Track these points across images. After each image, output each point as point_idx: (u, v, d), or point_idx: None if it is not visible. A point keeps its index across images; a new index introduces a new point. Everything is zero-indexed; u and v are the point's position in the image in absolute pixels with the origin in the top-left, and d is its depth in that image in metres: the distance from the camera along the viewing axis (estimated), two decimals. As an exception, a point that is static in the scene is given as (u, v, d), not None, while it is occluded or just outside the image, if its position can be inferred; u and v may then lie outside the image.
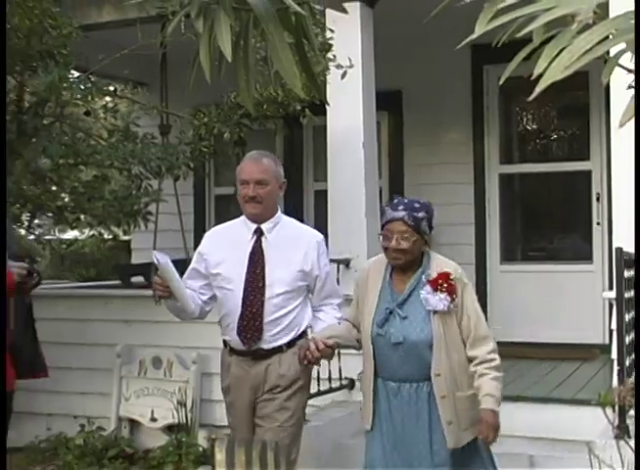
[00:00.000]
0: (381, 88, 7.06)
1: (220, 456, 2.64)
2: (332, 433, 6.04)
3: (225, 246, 4.82)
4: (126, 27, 6.76)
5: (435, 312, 4.19)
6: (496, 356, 4.26)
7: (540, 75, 1.60)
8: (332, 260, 6.49)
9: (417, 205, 4.29)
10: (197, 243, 9.32)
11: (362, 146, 6.72)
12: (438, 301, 4.14)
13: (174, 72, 7.74)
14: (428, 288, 4.19)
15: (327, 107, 6.32)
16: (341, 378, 6.53)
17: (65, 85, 5.83)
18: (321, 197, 8.38)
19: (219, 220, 9.51)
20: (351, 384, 6.54)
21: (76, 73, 6.34)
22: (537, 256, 9.12)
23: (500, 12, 1.81)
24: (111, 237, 9.19)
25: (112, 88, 7.05)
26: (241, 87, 2.44)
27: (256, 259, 4.68)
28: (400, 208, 4.24)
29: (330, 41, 5.53)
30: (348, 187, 6.69)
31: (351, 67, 5.94)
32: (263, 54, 2.81)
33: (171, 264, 4.47)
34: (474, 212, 8.78)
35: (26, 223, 6.71)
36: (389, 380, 4.31)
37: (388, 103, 8.24)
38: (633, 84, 1.69)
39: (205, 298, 4.83)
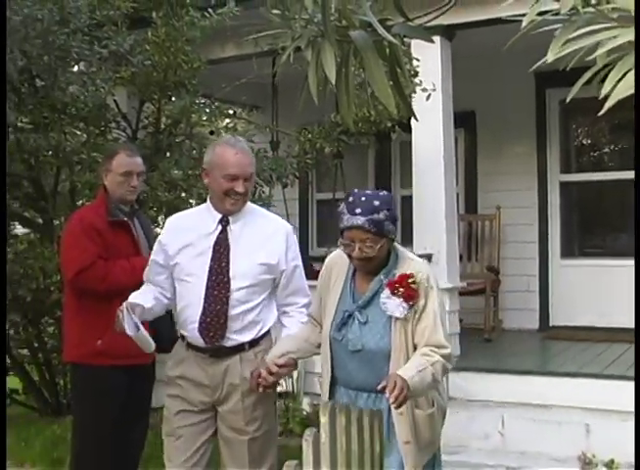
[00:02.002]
0: (457, 109, 6.99)
1: (324, 420, 2.62)
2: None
3: (186, 234, 3.85)
4: (243, 61, 6.84)
5: (397, 318, 3.26)
6: (444, 354, 3.22)
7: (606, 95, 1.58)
8: (417, 255, 6.51)
9: (376, 202, 3.27)
10: (301, 241, 9.45)
11: (442, 158, 6.68)
12: (395, 306, 3.23)
13: (283, 97, 7.83)
14: (387, 291, 3.27)
15: (412, 124, 6.29)
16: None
17: (194, 109, 5.94)
18: (407, 201, 8.36)
19: (320, 221, 9.69)
20: (441, 379, 6.49)
21: (203, 100, 6.40)
22: (592, 252, 8.91)
23: (568, 40, 1.78)
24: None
25: (231, 111, 7.16)
26: (342, 107, 2.43)
27: (221, 251, 3.76)
28: (358, 211, 3.24)
29: (416, 68, 5.49)
30: (430, 193, 6.65)
31: (434, 90, 5.93)
32: (359, 80, 2.80)
33: (142, 330, 3.69)
34: (537, 215, 8.63)
35: (162, 224, 6.86)
36: (346, 388, 3.43)
37: (463, 121, 8.16)
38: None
39: (169, 294, 3.92)
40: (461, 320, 6.98)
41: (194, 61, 5.79)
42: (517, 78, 8.11)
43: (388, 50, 2.38)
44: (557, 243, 8.68)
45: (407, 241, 7.76)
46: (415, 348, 3.24)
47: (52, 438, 6.53)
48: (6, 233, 3.77)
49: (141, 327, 3.67)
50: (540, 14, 1.86)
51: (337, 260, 3.55)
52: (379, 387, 2.99)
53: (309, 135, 6.27)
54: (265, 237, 3.81)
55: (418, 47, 5.00)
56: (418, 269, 3.32)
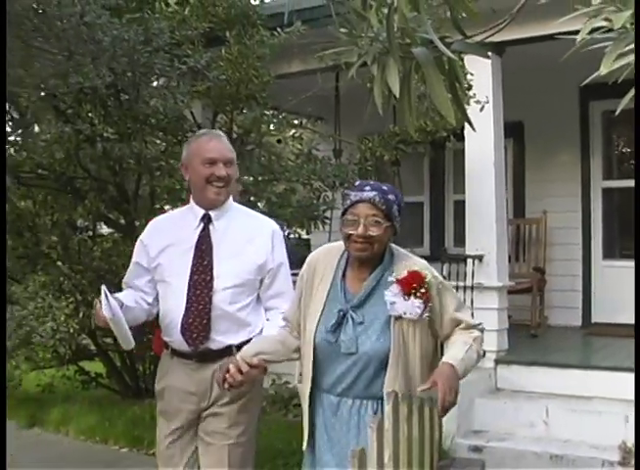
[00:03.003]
0: (507, 119, 6.93)
1: (388, 408, 2.62)
2: (465, 391, 5.95)
3: (168, 234, 3.48)
4: (308, 75, 6.87)
5: (397, 319, 2.77)
6: (479, 332, 2.89)
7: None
8: (468, 256, 6.49)
9: (385, 187, 2.86)
10: (360, 241, 9.51)
11: (493, 165, 6.62)
12: (410, 306, 2.74)
13: (344, 109, 7.83)
14: (395, 289, 2.77)
15: (465, 134, 6.27)
16: (474, 348, 6.41)
17: (263, 120, 5.98)
18: (459, 206, 8.36)
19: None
20: (483, 354, 6.46)
21: (272, 111, 6.45)
22: (632, 254, 8.78)
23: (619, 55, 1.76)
24: (296, 236, 9.31)
25: (297, 122, 7.18)
26: (406, 118, 2.42)
27: (203, 249, 3.36)
28: (367, 188, 2.81)
29: (470, 82, 5.47)
30: (482, 198, 6.60)
31: (487, 102, 5.89)
32: (418, 93, 2.79)
33: (121, 316, 3.21)
34: (581, 219, 8.51)
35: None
36: (329, 393, 2.88)
37: (512, 131, 8.08)
38: None
39: (150, 298, 3.50)
40: (509, 317, 6.93)
41: (264, 76, 5.83)
42: (562, 91, 8.04)
43: (447, 65, 2.38)
44: (599, 245, 8.55)
45: (460, 243, 7.76)
46: (416, 354, 2.80)
47: (133, 418, 6.64)
48: (5, 232, 3.59)
49: (120, 314, 3.17)
50: (590, 31, 1.84)
51: (321, 257, 3.01)
52: (425, 386, 2.64)
53: (370, 144, 6.28)
54: (250, 235, 3.41)
55: (471, 62, 4.96)
56: (422, 267, 2.85)
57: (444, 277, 6.06)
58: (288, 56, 6.68)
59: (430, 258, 8.61)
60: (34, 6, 3.87)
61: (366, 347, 2.80)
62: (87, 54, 4.32)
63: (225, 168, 3.32)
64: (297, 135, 6.48)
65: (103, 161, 6.06)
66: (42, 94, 5.58)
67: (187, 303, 3.33)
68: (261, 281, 3.41)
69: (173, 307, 3.38)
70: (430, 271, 2.85)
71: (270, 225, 3.50)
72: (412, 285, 2.77)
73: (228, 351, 3.32)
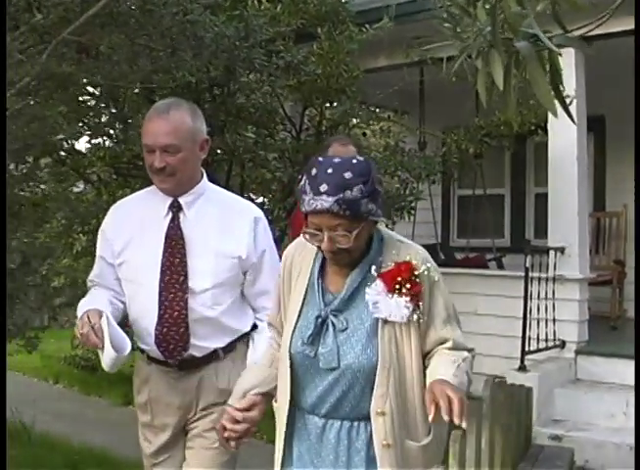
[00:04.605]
0: (588, 113, 6.80)
1: (486, 393, 2.61)
2: (546, 382, 5.91)
3: (132, 223, 2.84)
4: (393, 70, 6.87)
5: (386, 322, 2.20)
6: (471, 355, 2.29)
7: None
8: (550, 248, 6.40)
9: (347, 175, 2.10)
10: (444, 232, 9.49)
11: (576, 159, 6.49)
12: (395, 307, 2.16)
13: (428, 102, 7.79)
14: (378, 286, 2.19)
15: (549, 127, 6.20)
16: (554, 339, 6.35)
17: (353, 113, 6.00)
18: (540, 198, 8.26)
19: (461, 215, 9.63)
20: (562, 344, 6.39)
21: (360, 105, 6.46)
22: None
23: None
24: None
25: (385, 115, 7.19)
26: (509, 110, 2.41)
27: (174, 244, 2.75)
28: (323, 189, 2.09)
29: (559, 76, 5.39)
30: (564, 191, 6.49)
31: (575, 97, 5.81)
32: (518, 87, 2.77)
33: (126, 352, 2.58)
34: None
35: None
36: (313, 415, 2.31)
37: (594, 125, 7.92)
38: None
39: (123, 298, 2.89)
40: (589, 308, 6.82)
41: (353, 70, 5.86)
42: (641, 86, 7.83)
43: (548, 59, 2.35)
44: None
45: (540, 235, 7.65)
46: (410, 362, 2.24)
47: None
48: (6, 232, 3.44)
49: (128, 340, 2.63)
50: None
51: (296, 251, 2.43)
52: (430, 415, 2.02)
53: (455, 137, 6.24)
54: (228, 224, 2.80)
55: (556, 56, 4.89)
56: (416, 257, 2.25)
57: (527, 269, 6.04)
58: (374, 51, 6.67)
59: (510, 250, 8.59)
60: (141, 5, 3.95)
61: (349, 359, 2.21)
62: (189, 50, 4.39)
63: (163, 157, 2.67)
64: (385, 128, 6.48)
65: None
66: (137, 90, 5.70)
67: (160, 308, 2.74)
68: (245, 275, 2.83)
69: (144, 313, 2.80)
70: (426, 263, 2.26)
71: (251, 211, 2.89)
72: (395, 279, 2.19)
73: (214, 355, 2.83)
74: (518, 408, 2.88)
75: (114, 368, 2.58)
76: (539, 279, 6.21)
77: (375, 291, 2.20)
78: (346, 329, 2.24)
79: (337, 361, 2.22)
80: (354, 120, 6.26)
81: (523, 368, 5.85)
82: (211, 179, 6.41)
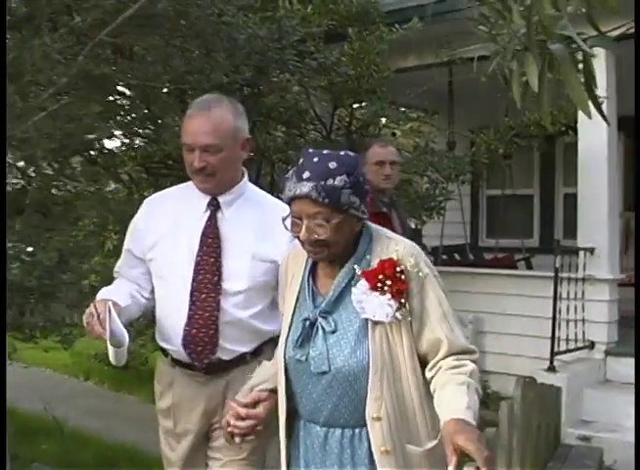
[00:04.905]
0: (619, 114, 6.78)
1: (517, 393, 2.64)
2: (575, 382, 5.91)
3: (166, 219, 2.75)
4: (423, 70, 6.90)
5: (377, 323, 2.10)
6: (474, 359, 2.15)
7: None
8: (580, 249, 6.40)
9: (332, 164, 2.06)
10: (472, 233, 9.50)
11: (606, 159, 6.47)
12: (378, 305, 2.07)
13: (458, 102, 7.80)
14: (363, 285, 2.11)
15: (579, 127, 6.20)
16: (584, 339, 6.35)
17: (383, 114, 6.04)
18: (569, 198, 8.25)
19: (490, 215, 9.63)
20: (592, 345, 6.38)
21: (390, 105, 6.49)
22: None
23: None
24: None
25: (414, 115, 7.22)
26: (543, 112, 2.44)
27: (210, 243, 2.68)
28: (306, 176, 2.06)
29: (589, 78, 5.39)
30: (594, 191, 6.48)
31: (607, 98, 5.79)
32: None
33: (126, 342, 2.44)
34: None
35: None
36: (313, 423, 2.22)
37: (625, 125, 7.89)
38: None
39: (146, 293, 2.80)
40: (619, 309, 6.80)
41: (384, 70, 5.89)
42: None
43: (582, 61, 2.38)
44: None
45: (569, 235, 7.63)
46: (404, 361, 2.12)
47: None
48: (5, 232, 3.41)
49: (126, 339, 2.46)
50: None
51: (290, 256, 2.38)
52: (451, 467, 1.83)
53: (485, 137, 6.26)
54: (266, 227, 2.66)
55: (587, 56, 4.90)
56: (403, 253, 2.14)
57: (556, 269, 6.05)
58: (404, 51, 6.70)
59: (539, 250, 8.56)
60: (175, 7, 4.01)
61: (339, 363, 2.12)
62: (223, 51, 4.45)
63: (204, 156, 2.60)
64: (414, 128, 6.51)
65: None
66: (166, 90, 5.77)
67: (190, 308, 2.66)
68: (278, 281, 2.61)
69: (172, 313, 2.71)
70: (413, 258, 2.14)
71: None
72: (377, 276, 2.09)
73: (242, 359, 2.74)
74: (547, 408, 2.90)
75: (118, 362, 2.48)
76: (569, 279, 6.21)
77: (360, 290, 2.12)
78: (336, 331, 2.15)
79: (327, 365, 2.14)
80: (384, 120, 6.28)
81: (552, 369, 5.85)
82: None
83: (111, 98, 5.70)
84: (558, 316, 6.01)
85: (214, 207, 2.71)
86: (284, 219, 2.16)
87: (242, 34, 4.35)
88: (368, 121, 6.06)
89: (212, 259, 2.66)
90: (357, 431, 2.13)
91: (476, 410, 1.97)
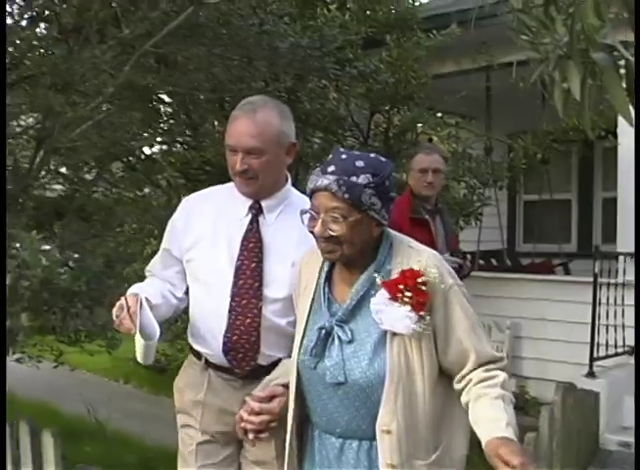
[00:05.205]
0: (660, 116, 6.76)
1: (558, 398, 2.67)
2: (615, 388, 5.89)
3: (206, 220, 2.67)
4: (460, 75, 6.93)
5: (395, 334, 2.04)
6: (502, 366, 2.11)
7: None
8: (620, 254, 6.38)
9: (359, 163, 2.04)
10: (509, 238, 9.47)
11: (646, 164, 6.48)
12: (397, 317, 2.01)
13: (495, 108, 7.81)
14: (383, 295, 2.04)
15: (619, 132, 6.20)
16: (624, 345, 6.32)
17: (421, 119, 6.08)
18: (608, 203, 8.22)
19: (527, 220, 9.60)
20: (632, 350, 6.36)
21: (428, 111, 6.53)
22: None
23: None
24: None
25: (452, 121, 7.25)
26: (585, 120, 2.47)
27: (251, 247, 2.59)
28: (330, 169, 2.03)
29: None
30: (635, 196, 6.47)
31: (648, 102, 5.79)
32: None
33: (156, 338, 2.40)
34: None
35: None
36: (329, 434, 2.17)
37: (666, 128, 7.86)
38: None
39: (179, 293, 2.74)
40: (659, 315, 6.77)
41: (421, 77, 5.93)
42: None
43: (624, 69, 2.41)
44: None
45: (608, 240, 7.61)
46: (420, 376, 2.07)
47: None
48: (5, 233, 3.47)
49: (157, 333, 2.41)
50: None
51: (303, 261, 2.34)
52: None
53: (523, 143, 6.27)
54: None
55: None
56: (426, 263, 2.07)
57: (595, 275, 6.03)
58: (441, 56, 6.74)
59: (576, 255, 8.51)
60: (219, 17, 4.10)
61: (356, 374, 2.07)
62: (264, 59, 4.53)
63: (246, 159, 2.52)
64: (452, 134, 6.54)
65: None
66: (202, 97, 5.86)
67: (230, 314, 2.58)
68: None
69: (211, 317, 2.63)
70: (436, 269, 2.07)
71: None
72: (397, 287, 2.03)
73: (276, 364, 2.58)
74: (586, 413, 2.93)
75: (146, 359, 2.42)
76: (608, 285, 6.19)
77: (379, 300, 2.05)
78: (353, 341, 2.10)
79: (343, 376, 2.08)
80: (421, 126, 6.33)
81: (591, 374, 5.83)
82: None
83: (151, 106, 5.82)
84: (597, 322, 6.00)
85: (257, 210, 2.62)
86: (302, 213, 2.11)
87: (283, 43, 4.42)
88: (405, 127, 6.10)
89: (254, 265, 2.58)
90: (375, 443, 2.07)
91: (514, 426, 1.93)
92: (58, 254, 3.53)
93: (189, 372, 2.77)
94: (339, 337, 2.10)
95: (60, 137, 3.84)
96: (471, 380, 2.06)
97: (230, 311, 2.56)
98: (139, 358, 2.43)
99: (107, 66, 3.73)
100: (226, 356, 2.60)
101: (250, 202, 2.62)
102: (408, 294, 2.00)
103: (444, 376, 2.11)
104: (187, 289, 2.72)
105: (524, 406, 6.33)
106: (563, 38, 2.35)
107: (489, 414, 1.96)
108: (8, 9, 4.07)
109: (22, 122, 5.15)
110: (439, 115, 6.72)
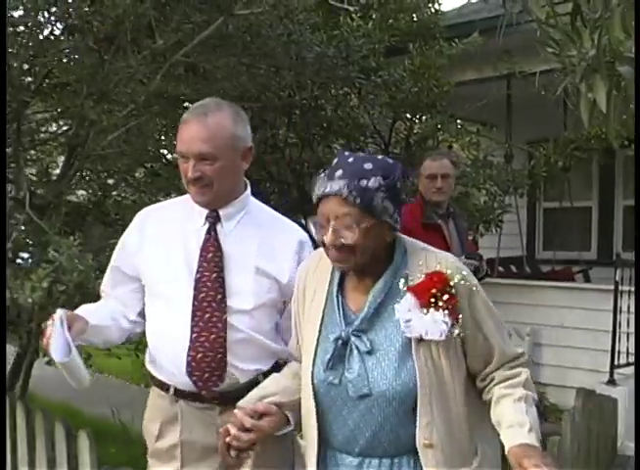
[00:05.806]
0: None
1: (578, 403, 2.74)
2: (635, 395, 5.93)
3: (162, 233, 2.48)
4: (481, 83, 7.00)
5: (421, 341, 1.95)
6: (523, 362, 2.07)
7: None
8: (640, 261, 6.43)
9: (368, 165, 1.95)
10: (529, 245, 9.49)
11: (668, 171, 6.53)
12: (431, 323, 1.92)
13: (516, 116, 7.88)
14: (409, 301, 1.95)
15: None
16: (644, 352, 6.36)
17: (442, 127, 6.17)
18: (628, 211, 8.27)
19: (547, 228, 9.63)
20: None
21: (449, 118, 6.60)
22: None
23: None
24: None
25: (473, 129, 7.33)
26: (609, 129, 2.56)
27: (210, 258, 2.41)
28: (338, 174, 1.93)
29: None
30: (635, 196, 6.52)
31: (670, 112, 5.85)
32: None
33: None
34: None
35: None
36: (345, 453, 2.04)
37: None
38: None
39: (132, 315, 2.54)
40: (680, 322, 6.79)
41: (444, 85, 6.01)
42: None
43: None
44: None
45: (629, 248, 7.64)
46: (451, 382, 1.99)
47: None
48: (6, 233, 3.44)
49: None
50: None
51: (311, 267, 2.20)
52: None
53: (544, 151, 6.34)
54: (269, 244, 2.46)
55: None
56: (448, 265, 2.00)
57: (616, 282, 6.07)
58: (462, 64, 6.82)
59: (596, 263, 8.54)
60: (248, 27, 4.21)
61: (382, 386, 1.96)
62: (291, 69, 4.64)
63: (198, 166, 2.33)
64: (473, 141, 6.62)
65: (284, 164, 6.40)
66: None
67: (192, 330, 2.38)
68: (285, 303, 2.45)
69: (172, 336, 2.42)
70: (458, 271, 2.00)
71: (297, 234, 2.52)
72: (429, 291, 1.94)
73: (254, 384, 2.35)
74: (605, 418, 3.00)
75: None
76: (629, 292, 6.23)
77: (406, 307, 1.95)
78: (373, 351, 1.99)
79: (368, 388, 1.96)
80: (442, 134, 6.41)
81: (612, 382, 5.85)
82: (301, 191, 6.75)
83: (180, 112, 5.92)
84: (618, 329, 6.02)
85: (213, 219, 2.45)
86: (312, 223, 2.01)
87: (310, 53, 4.52)
88: (426, 135, 6.19)
89: (214, 276, 2.40)
90: (397, 460, 1.99)
91: (537, 430, 1.89)
92: (91, 259, 3.61)
93: (157, 405, 2.51)
94: (357, 347, 1.99)
95: (92, 144, 3.95)
96: (494, 379, 2.03)
97: (192, 327, 2.37)
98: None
99: (140, 75, 3.83)
100: (191, 378, 2.38)
101: (206, 211, 2.45)
102: (445, 298, 1.93)
103: (470, 378, 2.06)
104: (142, 310, 2.54)
105: (543, 412, 6.38)
106: (589, 51, 2.44)
107: (512, 417, 1.92)
108: (40, 18, 4.19)
109: (51, 129, 5.28)
110: (460, 122, 6.80)
